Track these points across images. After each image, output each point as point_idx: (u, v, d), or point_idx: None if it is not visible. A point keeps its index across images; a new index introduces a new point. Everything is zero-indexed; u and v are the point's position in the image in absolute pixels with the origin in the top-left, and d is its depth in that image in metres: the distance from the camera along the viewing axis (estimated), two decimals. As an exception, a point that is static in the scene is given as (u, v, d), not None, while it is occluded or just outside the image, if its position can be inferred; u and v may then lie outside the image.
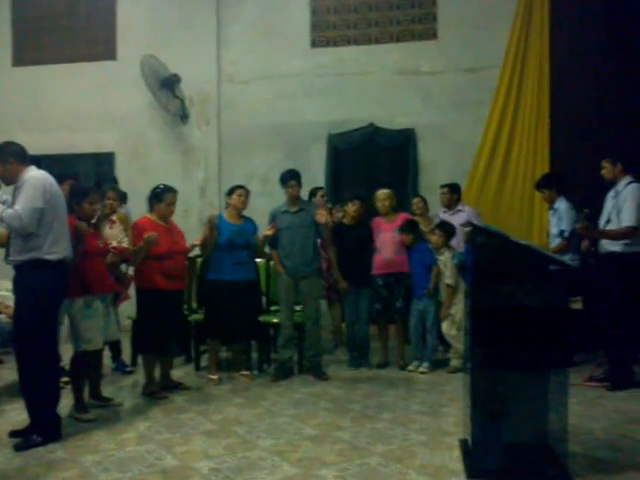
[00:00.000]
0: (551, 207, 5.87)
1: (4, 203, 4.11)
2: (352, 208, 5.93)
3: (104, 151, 8.23)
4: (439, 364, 5.90)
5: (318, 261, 5.79)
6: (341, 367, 5.99)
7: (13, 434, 4.17)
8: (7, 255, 4.21)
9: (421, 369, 5.78)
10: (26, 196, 3.96)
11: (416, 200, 6.63)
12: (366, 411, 4.70)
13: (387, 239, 5.86)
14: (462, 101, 7.45)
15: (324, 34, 7.88)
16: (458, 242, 5.96)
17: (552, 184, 5.87)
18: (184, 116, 8.02)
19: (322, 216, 5.58)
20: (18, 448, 3.98)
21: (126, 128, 8.18)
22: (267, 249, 5.87)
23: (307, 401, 4.98)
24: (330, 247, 5.86)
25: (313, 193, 6.51)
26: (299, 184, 5.69)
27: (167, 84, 7.82)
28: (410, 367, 5.84)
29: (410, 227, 5.84)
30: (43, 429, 4.08)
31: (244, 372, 5.69)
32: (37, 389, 4.11)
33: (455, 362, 5.74)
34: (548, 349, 3.44)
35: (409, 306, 5.86)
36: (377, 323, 6.05)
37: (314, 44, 7.90)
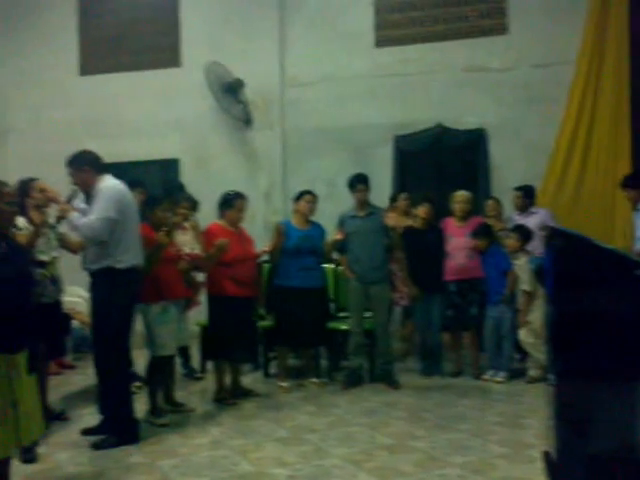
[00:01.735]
0: (636, 208, 5.56)
1: (81, 212, 4.17)
2: (422, 211, 5.80)
3: (169, 157, 8.31)
4: (515, 373, 5.68)
5: (388, 266, 5.66)
6: (413, 375, 5.85)
7: (86, 432, 4.28)
8: (84, 262, 4.28)
9: (497, 378, 5.57)
10: (100, 206, 4.05)
11: (489, 202, 6.41)
12: (441, 421, 4.58)
13: (460, 244, 5.70)
14: (534, 98, 7.20)
15: (388, 33, 7.75)
16: (535, 246, 5.72)
17: (639, 183, 5.57)
18: (248, 121, 8.02)
19: (391, 219, 5.46)
20: (96, 447, 4.09)
21: (190, 134, 8.25)
22: (335, 255, 5.78)
23: (379, 410, 4.89)
24: (399, 252, 5.72)
25: (394, 198, 6.39)
26: (367, 188, 5.59)
27: (231, 89, 7.84)
28: (486, 376, 5.64)
29: (484, 231, 5.65)
30: (120, 431, 4.17)
31: (314, 379, 5.62)
32: (113, 392, 4.20)
33: (533, 372, 5.52)
34: (635, 357, 3.24)
35: (483, 313, 5.67)
36: (450, 330, 5.88)
37: (378, 44, 7.78)
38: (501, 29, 7.42)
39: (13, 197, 3.26)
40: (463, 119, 7.41)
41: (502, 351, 5.64)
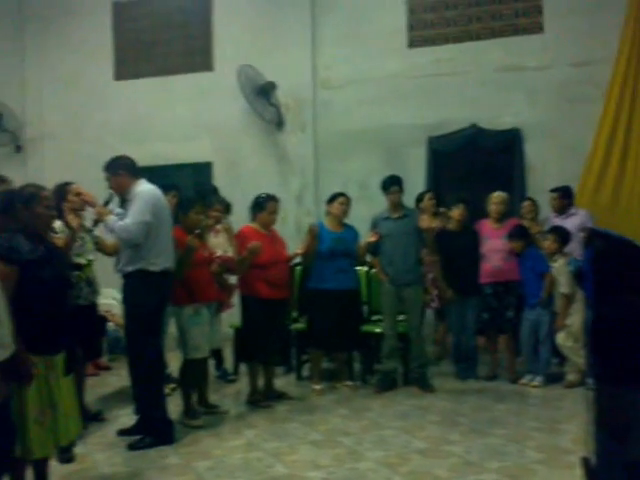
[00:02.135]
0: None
1: (117, 215, 4.23)
2: (457, 212, 5.74)
3: (201, 161, 8.36)
4: (552, 378, 5.56)
5: (421, 269, 5.61)
6: (447, 379, 5.78)
7: (122, 433, 4.35)
8: (117, 264, 4.33)
9: (534, 383, 5.47)
10: (136, 210, 4.13)
11: (526, 203, 6.30)
12: (476, 425, 4.52)
13: (496, 246, 5.62)
14: (571, 98, 7.06)
15: (421, 33, 7.68)
16: (573, 248, 5.60)
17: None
18: (280, 123, 8.03)
19: (425, 221, 5.41)
20: (132, 447, 4.14)
21: (222, 137, 8.29)
22: (369, 257, 5.75)
23: (413, 413, 4.85)
24: (433, 254, 5.66)
25: (420, 198, 6.34)
26: (401, 190, 5.55)
27: (263, 92, 7.86)
28: (523, 380, 5.54)
29: (520, 233, 5.55)
30: (155, 432, 4.22)
31: (347, 383, 5.60)
32: (148, 393, 4.25)
33: (571, 376, 5.41)
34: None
35: (520, 316, 5.57)
36: (485, 334, 5.80)
37: (411, 44, 7.72)
38: (537, 28, 7.29)
39: (51, 201, 3.30)
40: (498, 119, 7.30)
41: (539, 355, 5.54)
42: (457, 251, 5.64)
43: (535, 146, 7.23)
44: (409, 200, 5.95)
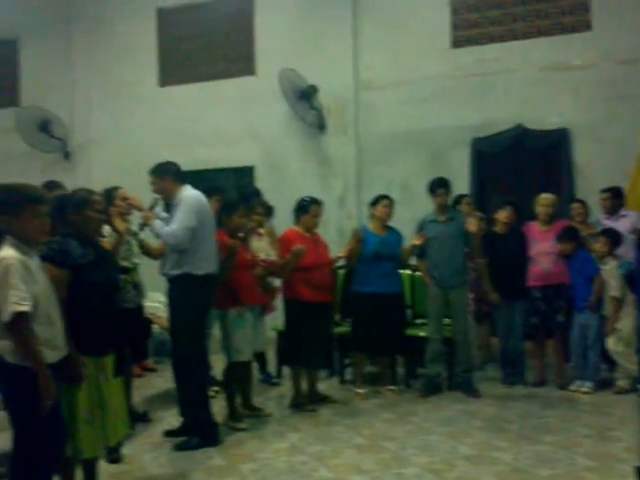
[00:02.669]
0: None
1: (162, 220, 4.29)
2: (503, 215, 5.65)
3: (244, 165, 8.42)
4: (602, 384, 5.41)
5: (467, 272, 5.54)
6: (493, 384, 5.67)
7: (167, 434, 4.41)
8: (163, 268, 4.39)
9: (584, 389, 5.33)
10: (181, 215, 4.19)
11: (575, 205, 6.14)
12: (524, 432, 4.44)
13: (544, 249, 5.50)
14: (619, 96, 6.90)
15: (465, 33, 7.60)
16: (624, 250, 5.45)
17: None
18: (321, 126, 8.03)
19: (473, 225, 5.33)
20: (178, 448, 4.20)
21: (265, 141, 8.33)
22: (415, 260, 5.68)
23: (459, 419, 4.78)
24: (480, 257, 5.57)
25: (457, 201, 6.25)
26: (448, 192, 5.49)
27: (305, 95, 7.88)
28: (572, 386, 5.40)
29: (569, 235, 5.42)
30: (201, 433, 4.26)
31: (390, 387, 5.56)
32: (192, 395, 4.30)
33: (622, 382, 5.26)
34: None
35: (570, 320, 5.44)
36: (533, 338, 5.68)
37: (455, 44, 7.64)
38: (584, 25, 7.14)
39: (101, 205, 3.37)
40: (544, 119, 7.16)
41: (588, 360, 5.40)
42: (504, 254, 5.54)
43: (582, 146, 7.07)
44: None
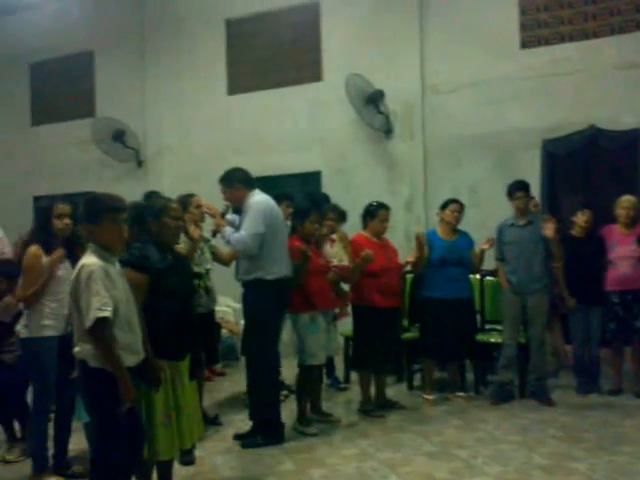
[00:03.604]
0: None
1: (232, 221, 4.38)
2: (582, 218, 5.48)
3: (310, 170, 8.48)
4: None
5: (547, 277, 5.36)
6: (567, 392, 5.51)
7: (237, 437, 4.50)
8: (237, 274, 4.48)
9: (664, 398, 5.12)
10: (250, 222, 4.27)
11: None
12: (601, 442, 4.30)
13: (624, 252, 5.31)
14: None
15: (535, 33, 7.41)
16: None
17: None
18: (388, 131, 8.00)
19: (549, 230, 5.18)
20: (244, 445, 4.34)
21: (332, 147, 8.36)
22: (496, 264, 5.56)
23: (533, 427, 4.66)
24: (559, 262, 5.40)
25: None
26: (527, 196, 5.38)
27: (371, 100, 7.86)
28: (652, 396, 5.20)
29: (652, 239, 5.22)
30: (267, 433, 4.35)
31: (460, 393, 5.49)
32: (264, 397, 4.39)
33: None
34: None
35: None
36: (611, 345, 5.48)
37: (524, 45, 7.47)
38: (659, 21, 6.87)
39: (178, 212, 3.45)
40: (619, 119, 6.88)
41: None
42: (581, 258, 5.38)
43: (659, 146, 6.77)
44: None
